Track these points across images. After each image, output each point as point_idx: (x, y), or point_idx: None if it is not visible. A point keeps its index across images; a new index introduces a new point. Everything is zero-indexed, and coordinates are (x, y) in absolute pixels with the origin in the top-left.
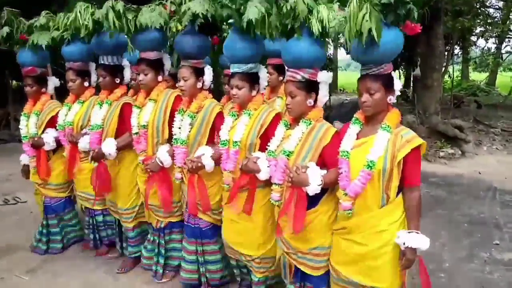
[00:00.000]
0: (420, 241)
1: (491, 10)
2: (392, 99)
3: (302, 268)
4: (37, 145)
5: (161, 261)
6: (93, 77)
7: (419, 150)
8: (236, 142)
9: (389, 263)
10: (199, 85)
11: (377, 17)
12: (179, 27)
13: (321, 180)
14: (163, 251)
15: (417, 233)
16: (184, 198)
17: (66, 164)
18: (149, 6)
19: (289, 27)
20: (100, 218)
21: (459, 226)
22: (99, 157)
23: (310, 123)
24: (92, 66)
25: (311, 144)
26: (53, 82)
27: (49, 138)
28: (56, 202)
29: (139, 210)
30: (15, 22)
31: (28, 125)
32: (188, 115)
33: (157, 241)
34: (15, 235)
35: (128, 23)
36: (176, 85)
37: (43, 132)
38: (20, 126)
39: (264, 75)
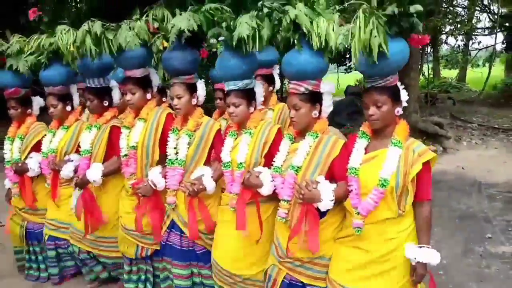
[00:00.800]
0: (431, 256)
1: (458, 9)
2: (399, 111)
3: (298, 277)
4: (20, 171)
5: (148, 286)
6: (76, 100)
7: (430, 163)
8: (241, 163)
9: (393, 271)
10: (194, 101)
11: (384, 31)
12: (165, 44)
13: (333, 196)
14: (151, 278)
15: (428, 247)
16: (181, 221)
17: (49, 192)
18: (128, 24)
19: (290, 40)
20: (70, 249)
21: (451, 222)
22: (83, 183)
23: (317, 136)
24: (74, 88)
25: (319, 157)
26: (37, 102)
27: (33, 164)
28: (39, 228)
29: (115, 242)
30: None
31: (12, 149)
32: (186, 134)
33: (144, 269)
34: (1, 261)
35: (110, 44)
36: (171, 103)
37: (26, 157)
38: (4, 150)
39: (260, 90)
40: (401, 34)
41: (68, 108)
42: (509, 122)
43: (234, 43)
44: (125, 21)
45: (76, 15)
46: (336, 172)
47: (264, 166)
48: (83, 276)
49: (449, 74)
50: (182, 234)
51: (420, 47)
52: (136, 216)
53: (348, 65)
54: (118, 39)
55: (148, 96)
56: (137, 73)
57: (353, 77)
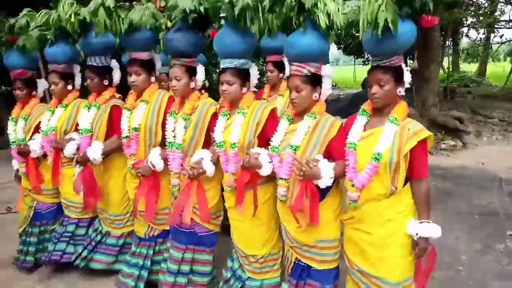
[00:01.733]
0: (432, 230)
1: (481, 1)
2: (401, 91)
3: (308, 262)
4: (23, 152)
5: (144, 274)
6: (77, 80)
7: (426, 142)
8: (234, 143)
9: (396, 254)
10: (192, 85)
11: (393, 8)
12: (169, 24)
13: (333, 173)
14: (148, 263)
15: (428, 222)
16: (172, 202)
17: (51, 170)
18: (140, 4)
19: (294, 20)
20: (71, 228)
21: (471, 218)
22: (84, 161)
23: (315, 117)
24: (77, 68)
25: (317, 137)
26: (42, 84)
27: (35, 145)
28: (48, 208)
29: (130, 217)
30: (5, 23)
31: (16, 130)
32: (182, 118)
33: (145, 253)
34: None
35: (120, 22)
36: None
37: (31, 137)
38: (8, 131)
39: (255, 72)
40: (412, 16)
41: (69, 87)
42: None
43: (235, 16)
44: (135, 2)
45: None
46: (334, 151)
47: (257, 146)
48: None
49: (469, 68)
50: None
51: (429, 28)
52: (135, 195)
53: (366, 57)
54: (131, 16)
55: (152, 79)
56: (144, 55)
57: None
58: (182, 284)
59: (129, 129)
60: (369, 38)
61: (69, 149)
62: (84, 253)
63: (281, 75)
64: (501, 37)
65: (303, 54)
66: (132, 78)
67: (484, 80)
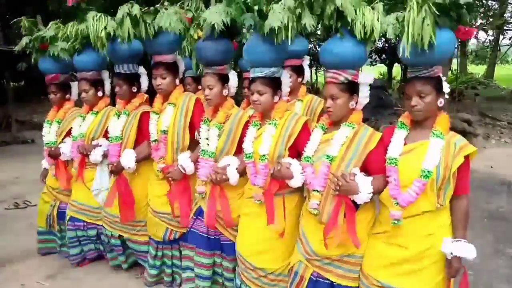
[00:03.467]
0: (467, 250)
1: (491, 2)
2: (442, 102)
3: (327, 276)
4: (53, 155)
5: (178, 270)
6: (107, 86)
7: (469, 157)
8: (264, 155)
9: (430, 268)
10: (225, 92)
11: (433, 20)
12: (200, 34)
13: (371, 188)
14: (178, 263)
15: (465, 241)
16: (195, 207)
17: (75, 175)
18: (164, 8)
19: (333, 27)
20: (93, 232)
21: (480, 222)
22: (118, 170)
23: (354, 127)
24: (106, 74)
25: (356, 149)
26: (76, 88)
27: (66, 148)
28: None
29: (143, 226)
30: (35, 31)
31: (49, 132)
32: (216, 126)
33: (170, 254)
34: (29, 240)
35: (147, 27)
36: (203, 94)
37: (62, 140)
38: (42, 133)
39: (287, 80)
40: (449, 26)
41: (100, 93)
42: None
43: (265, 32)
44: (157, 5)
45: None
46: (372, 165)
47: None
48: (104, 261)
49: (477, 70)
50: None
51: (466, 39)
52: (169, 200)
53: (373, 57)
54: (159, 22)
55: (177, 81)
56: (169, 58)
57: (377, 70)
58: (221, 283)
59: (157, 132)
60: (409, 50)
61: (96, 155)
62: (121, 258)
63: (299, 79)
64: (510, 39)
65: (340, 60)
66: (157, 81)
67: (492, 82)
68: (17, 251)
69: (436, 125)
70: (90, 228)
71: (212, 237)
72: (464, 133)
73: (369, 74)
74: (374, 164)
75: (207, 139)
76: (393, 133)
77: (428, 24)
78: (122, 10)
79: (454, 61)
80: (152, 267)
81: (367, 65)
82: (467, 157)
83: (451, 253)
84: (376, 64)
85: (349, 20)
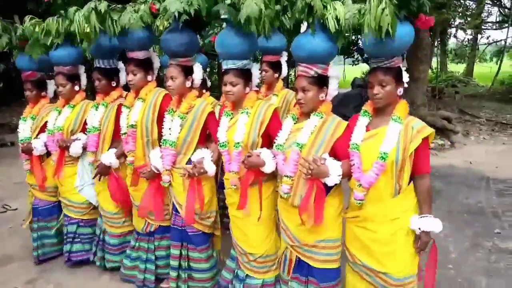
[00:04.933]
0: (434, 224)
1: (469, 2)
2: (401, 91)
3: (309, 261)
4: (26, 151)
5: (151, 267)
6: (83, 80)
7: (428, 138)
8: (238, 143)
9: (401, 250)
10: (188, 84)
11: (393, 12)
12: (166, 25)
13: (341, 171)
14: (152, 257)
15: (430, 216)
16: (170, 200)
17: (53, 169)
18: (133, 6)
19: (304, 22)
20: (72, 228)
21: (459, 217)
22: (103, 171)
23: (322, 116)
24: (82, 69)
25: (323, 137)
26: (52, 85)
27: (38, 143)
28: (45, 205)
29: (128, 218)
30: (12, 29)
31: (24, 129)
32: (178, 116)
33: (146, 247)
34: (9, 244)
35: (114, 24)
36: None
37: (37, 136)
38: (18, 130)
39: (256, 72)
40: (409, 17)
41: (76, 88)
42: None
43: (242, 22)
44: (130, 3)
45: None
46: (339, 151)
47: (261, 145)
48: (86, 265)
49: (456, 68)
50: (177, 214)
51: (426, 29)
52: (142, 196)
53: (355, 57)
54: (122, 20)
55: (149, 78)
56: (140, 55)
57: (359, 70)
58: (184, 278)
59: (127, 126)
60: (370, 41)
61: (75, 149)
62: (99, 253)
63: (276, 74)
64: (487, 38)
65: (311, 55)
66: (129, 77)
67: (471, 80)
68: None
69: (395, 111)
70: (71, 223)
71: (179, 228)
72: (444, 130)
73: (336, 69)
74: (342, 151)
75: (169, 128)
76: (356, 121)
77: (387, 15)
78: (89, 5)
79: (434, 59)
80: (127, 257)
81: (349, 64)
82: (425, 139)
83: (419, 229)
84: (358, 64)
85: (320, 15)
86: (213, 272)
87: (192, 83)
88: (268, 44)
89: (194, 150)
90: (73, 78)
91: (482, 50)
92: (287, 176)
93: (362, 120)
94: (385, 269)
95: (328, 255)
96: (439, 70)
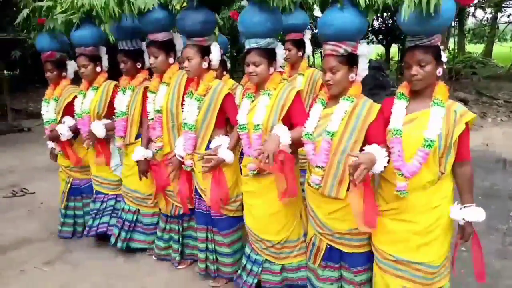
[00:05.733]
0: (477, 214)
1: None
2: (440, 71)
3: (341, 248)
4: (53, 138)
5: (178, 247)
6: (105, 61)
7: (469, 124)
8: (257, 125)
9: (439, 238)
10: (205, 65)
11: None
12: (183, 4)
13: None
14: (180, 238)
15: (473, 206)
16: (197, 185)
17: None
18: None
19: None
20: (112, 203)
21: (475, 199)
22: (144, 168)
23: (352, 101)
24: (103, 50)
25: (355, 123)
26: (72, 66)
27: (63, 129)
28: (86, 184)
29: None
30: (32, 5)
31: (48, 110)
32: (196, 98)
33: (176, 229)
34: (28, 226)
35: (131, 6)
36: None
37: (61, 118)
38: (42, 112)
39: (281, 52)
40: None
41: (98, 69)
42: None
43: None
44: None
45: None
46: (372, 137)
47: None
48: (103, 246)
49: (474, 49)
50: (200, 198)
51: (467, 5)
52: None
53: (370, 38)
54: (138, 1)
55: (171, 60)
56: (160, 36)
57: (375, 51)
58: (213, 259)
59: (154, 111)
60: (410, 16)
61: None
62: (122, 235)
63: (299, 53)
64: (508, 16)
65: (340, 32)
66: (150, 61)
67: (490, 61)
68: (15, 238)
69: (436, 94)
70: (110, 199)
71: (204, 212)
72: None
73: (368, 46)
74: (375, 137)
75: (188, 111)
76: (392, 104)
77: None
78: None
79: (451, 40)
80: (160, 239)
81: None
82: (466, 124)
83: (463, 219)
84: (373, 45)
85: None
86: (234, 258)
87: (209, 64)
88: (290, 21)
89: (212, 135)
90: (95, 59)
91: (502, 29)
92: (318, 167)
93: (400, 104)
94: (423, 259)
95: (360, 241)
96: (456, 50)
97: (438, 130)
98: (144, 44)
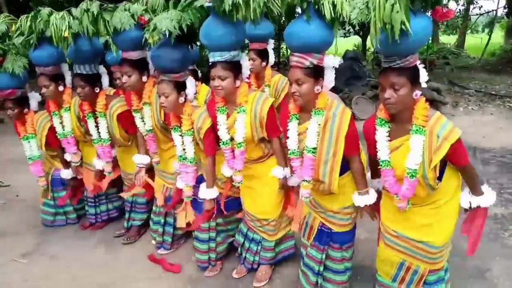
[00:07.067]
0: (490, 197)
1: None
2: (418, 94)
3: (331, 226)
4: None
5: (170, 230)
6: (68, 79)
7: (460, 139)
8: (240, 143)
9: (443, 221)
10: (181, 100)
11: (406, 6)
12: (155, 38)
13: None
14: (171, 220)
15: (484, 192)
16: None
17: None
18: (125, 5)
19: (298, 8)
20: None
21: None
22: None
23: (323, 114)
24: (65, 67)
25: (329, 137)
26: (35, 98)
27: (67, 174)
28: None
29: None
30: None
31: (31, 147)
32: (187, 134)
33: (163, 212)
34: (3, 219)
35: (107, 24)
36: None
37: (46, 147)
38: (24, 149)
39: (247, 63)
40: (424, 8)
41: (61, 88)
42: (507, 89)
43: (227, 9)
44: (124, 2)
45: None
46: (349, 145)
47: (262, 137)
48: (84, 238)
49: (448, 40)
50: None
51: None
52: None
53: (347, 29)
54: (112, 21)
55: (144, 78)
56: (134, 55)
57: (351, 42)
58: (213, 248)
59: (145, 130)
60: (381, 39)
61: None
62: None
63: (263, 63)
64: (480, 8)
65: (306, 44)
66: (123, 79)
67: (462, 51)
68: None
69: (415, 119)
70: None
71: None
72: (433, 102)
73: (334, 58)
74: (350, 145)
75: (184, 149)
76: (374, 128)
77: (397, 11)
78: (80, 7)
79: None
80: (151, 220)
81: (341, 36)
82: (457, 141)
83: (479, 205)
84: (349, 36)
85: (316, 0)
86: (228, 245)
87: (185, 98)
88: (254, 32)
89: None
90: (57, 78)
91: (474, 21)
92: (305, 181)
93: (382, 131)
94: (423, 238)
95: (347, 220)
96: (430, 41)
97: (419, 159)
98: (101, 67)
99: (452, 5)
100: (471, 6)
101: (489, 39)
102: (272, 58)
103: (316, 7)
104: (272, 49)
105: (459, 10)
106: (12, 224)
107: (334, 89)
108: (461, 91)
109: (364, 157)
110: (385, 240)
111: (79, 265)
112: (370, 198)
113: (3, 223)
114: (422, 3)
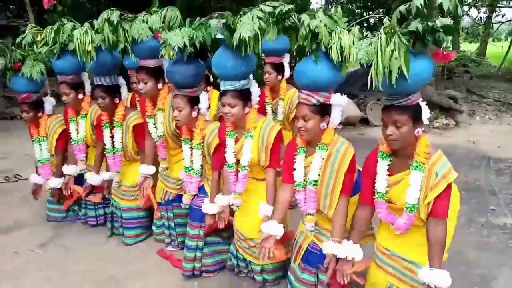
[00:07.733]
0: (444, 279)
1: None
2: (419, 131)
3: (320, 245)
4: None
5: (173, 232)
6: (87, 87)
7: (451, 184)
8: (244, 166)
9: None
10: (194, 114)
11: (406, 50)
12: (170, 54)
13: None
14: (173, 224)
15: (440, 270)
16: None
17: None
18: (143, 16)
19: (307, 49)
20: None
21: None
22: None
23: (327, 149)
24: (85, 76)
25: (330, 172)
26: (50, 102)
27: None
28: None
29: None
30: (8, 52)
31: (41, 150)
32: (197, 148)
33: (166, 216)
34: (21, 211)
35: (126, 34)
36: (173, 115)
37: (56, 151)
38: (35, 151)
39: (256, 90)
40: (425, 51)
41: (80, 96)
42: None
43: (234, 44)
44: (143, 12)
45: (96, 4)
46: (346, 182)
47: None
48: (97, 231)
49: (469, 47)
50: (204, 196)
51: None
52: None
53: (365, 35)
54: (131, 31)
55: (159, 86)
56: (151, 63)
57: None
58: (199, 257)
59: (157, 137)
60: (383, 80)
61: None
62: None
63: (279, 77)
64: (502, 16)
65: (314, 83)
66: (139, 86)
67: (484, 60)
68: (9, 222)
69: (416, 156)
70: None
71: (200, 208)
72: (449, 110)
73: (341, 97)
74: (347, 184)
75: (191, 161)
76: (375, 161)
77: (396, 58)
78: (101, 17)
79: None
80: (154, 225)
81: None
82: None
83: (426, 284)
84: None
85: (324, 43)
86: (214, 260)
87: (198, 112)
88: (270, 46)
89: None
90: (77, 86)
91: (496, 28)
92: (309, 214)
93: (383, 164)
94: (415, 259)
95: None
96: (451, 49)
97: (417, 195)
98: (120, 78)
99: (473, 12)
100: (493, 14)
101: (509, 47)
102: (287, 72)
103: (325, 50)
104: (288, 63)
105: (481, 17)
106: (29, 216)
107: (349, 95)
108: (479, 100)
109: (351, 208)
110: (376, 259)
111: (90, 258)
112: (341, 250)
113: (22, 215)
114: (421, 46)
